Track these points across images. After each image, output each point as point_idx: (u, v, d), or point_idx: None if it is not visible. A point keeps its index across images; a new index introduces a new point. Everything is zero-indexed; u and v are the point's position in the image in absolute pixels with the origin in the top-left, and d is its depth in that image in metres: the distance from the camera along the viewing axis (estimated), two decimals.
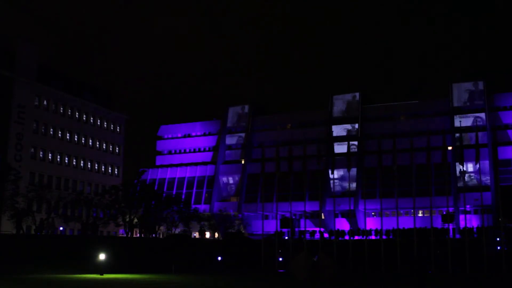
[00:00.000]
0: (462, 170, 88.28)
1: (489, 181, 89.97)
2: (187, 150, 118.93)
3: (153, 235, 77.68)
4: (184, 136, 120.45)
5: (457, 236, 76.35)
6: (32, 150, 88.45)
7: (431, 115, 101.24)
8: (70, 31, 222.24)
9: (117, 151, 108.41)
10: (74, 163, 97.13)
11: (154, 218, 77.63)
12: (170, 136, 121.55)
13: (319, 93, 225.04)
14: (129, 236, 74.69)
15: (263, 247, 65.65)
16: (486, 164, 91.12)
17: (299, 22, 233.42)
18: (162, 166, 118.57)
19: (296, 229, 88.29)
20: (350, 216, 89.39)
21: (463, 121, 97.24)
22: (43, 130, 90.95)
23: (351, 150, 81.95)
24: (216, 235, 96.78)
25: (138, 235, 79.24)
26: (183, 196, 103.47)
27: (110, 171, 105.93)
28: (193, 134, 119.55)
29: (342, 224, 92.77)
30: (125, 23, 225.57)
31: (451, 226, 74.73)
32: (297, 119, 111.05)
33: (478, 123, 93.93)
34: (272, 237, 72.81)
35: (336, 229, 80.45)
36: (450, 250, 60.09)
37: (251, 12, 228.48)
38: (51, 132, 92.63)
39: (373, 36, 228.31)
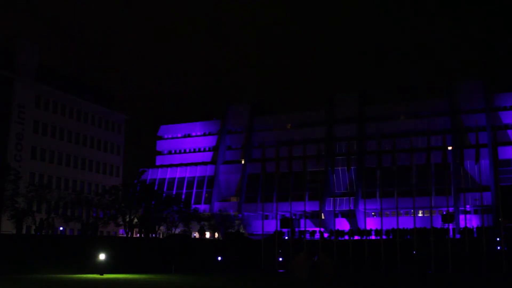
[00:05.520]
0: (462, 170, 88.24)
1: (489, 181, 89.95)
2: (187, 150, 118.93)
3: (153, 235, 77.64)
4: (184, 136, 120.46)
5: (457, 236, 76.35)
6: (32, 150, 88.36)
7: (431, 115, 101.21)
8: (70, 31, 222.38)
9: (117, 151, 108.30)
10: (74, 163, 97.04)
11: (154, 218, 77.56)
12: (170, 136, 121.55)
13: (319, 93, 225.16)
14: (129, 236, 74.64)
15: (263, 247, 65.69)
16: (486, 164, 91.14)
17: (299, 22, 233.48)
18: (162, 166, 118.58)
19: (296, 229, 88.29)
20: (350, 216, 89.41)
21: (463, 121, 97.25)
22: (43, 130, 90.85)
23: (351, 150, 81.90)
24: (216, 235, 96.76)
25: (138, 235, 79.19)
26: (183, 196, 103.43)
27: (110, 171, 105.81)
28: (193, 134, 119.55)
29: (342, 224, 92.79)
30: (125, 23, 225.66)
31: (451, 226, 74.76)
32: (297, 119, 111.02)
33: (478, 123, 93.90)
34: (272, 237, 72.86)
35: (336, 229, 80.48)
36: (450, 250, 60.13)
37: (251, 12, 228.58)
38: (51, 132, 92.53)
39: (374, 36, 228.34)
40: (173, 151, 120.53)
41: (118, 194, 76.08)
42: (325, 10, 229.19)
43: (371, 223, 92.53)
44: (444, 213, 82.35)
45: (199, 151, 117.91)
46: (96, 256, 52.01)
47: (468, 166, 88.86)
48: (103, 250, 52.18)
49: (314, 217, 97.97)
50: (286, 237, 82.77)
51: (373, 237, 75.68)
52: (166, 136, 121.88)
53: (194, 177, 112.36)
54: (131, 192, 77.42)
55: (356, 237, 74.39)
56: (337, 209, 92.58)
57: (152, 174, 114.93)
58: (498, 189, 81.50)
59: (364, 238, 70.04)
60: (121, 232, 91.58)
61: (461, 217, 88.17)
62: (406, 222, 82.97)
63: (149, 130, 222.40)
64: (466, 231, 64.18)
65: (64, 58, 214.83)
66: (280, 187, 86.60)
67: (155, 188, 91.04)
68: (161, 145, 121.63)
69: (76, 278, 45.19)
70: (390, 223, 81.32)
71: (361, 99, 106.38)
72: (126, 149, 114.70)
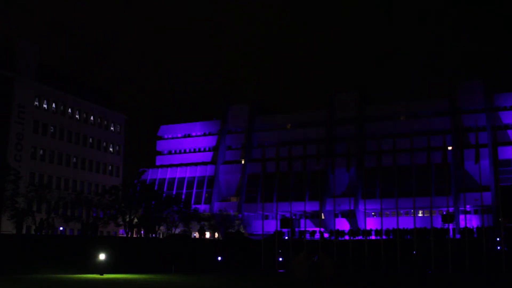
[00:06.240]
0: (462, 170, 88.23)
1: (489, 181, 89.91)
2: (187, 150, 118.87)
3: (153, 235, 77.67)
4: (184, 136, 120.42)
5: (457, 236, 76.34)
6: (32, 150, 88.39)
7: (431, 115, 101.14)
8: (70, 31, 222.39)
9: (117, 151, 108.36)
10: (74, 163, 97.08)
11: (154, 218, 77.60)
12: (170, 136, 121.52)
13: (319, 92, 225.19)
14: (129, 236, 74.67)
15: (263, 247, 65.71)
16: (486, 164, 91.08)
17: (300, 22, 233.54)
18: (162, 166, 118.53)
19: (296, 229, 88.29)
20: (350, 216, 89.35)
21: (463, 121, 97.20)
22: (43, 130, 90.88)
23: (351, 150, 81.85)
24: (216, 235, 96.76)
25: (138, 235, 79.24)
26: (183, 196, 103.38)
27: (110, 171, 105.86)
28: (193, 134, 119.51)
29: (342, 224, 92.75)
30: (125, 23, 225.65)
31: (451, 226, 74.75)
32: (297, 119, 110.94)
33: (478, 123, 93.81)
34: (272, 237, 72.88)
35: (336, 229, 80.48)
36: (450, 250, 60.14)
37: (251, 12, 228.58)
38: (51, 132, 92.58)
39: (374, 36, 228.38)
40: (173, 151, 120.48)
41: (118, 194, 76.12)
42: (325, 11, 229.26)
43: (371, 223, 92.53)
44: (444, 213, 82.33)
45: (199, 151, 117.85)
46: (96, 256, 52.03)
47: (468, 166, 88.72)
48: (103, 250, 52.20)
49: (314, 217, 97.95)
50: (286, 237, 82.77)
51: (373, 237, 75.67)
52: (166, 136, 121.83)
53: (194, 177, 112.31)
54: (131, 192, 77.47)
55: (356, 237, 74.41)
56: (337, 209, 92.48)
57: (152, 174, 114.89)
58: (498, 189, 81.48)
59: (364, 238, 70.05)
60: (121, 232, 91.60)
61: (461, 217, 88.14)
62: (406, 222, 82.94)
63: (149, 130, 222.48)
64: (466, 231, 64.17)
65: (64, 58, 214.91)
66: (280, 187, 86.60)
67: (155, 188, 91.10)
68: (161, 145, 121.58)
69: (76, 278, 45.20)
70: (390, 223, 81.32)
71: (361, 99, 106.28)
72: (126, 149, 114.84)
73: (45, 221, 67.88)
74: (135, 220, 77.14)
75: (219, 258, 68.12)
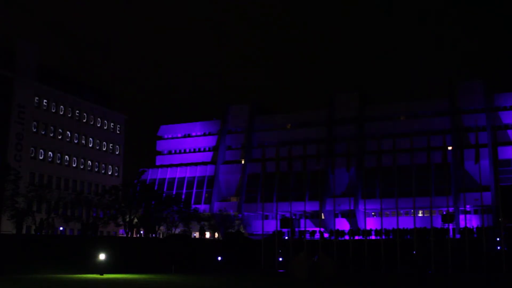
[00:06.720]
0: (462, 170, 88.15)
1: (489, 181, 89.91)
2: (187, 150, 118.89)
3: (153, 235, 77.68)
4: (184, 136, 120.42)
5: (457, 236, 76.34)
6: (32, 150, 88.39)
7: (431, 115, 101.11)
8: (70, 31, 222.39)
9: (117, 151, 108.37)
10: (74, 163, 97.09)
11: (154, 218, 77.62)
12: (170, 136, 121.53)
13: (319, 93, 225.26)
14: (129, 236, 74.69)
15: (263, 247, 65.74)
16: (486, 164, 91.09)
17: (300, 22, 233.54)
18: (162, 166, 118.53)
19: (296, 229, 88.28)
20: (350, 216, 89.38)
21: (463, 121, 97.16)
22: (43, 130, 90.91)
23: (351, 150, 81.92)
24: (216, 235, 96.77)
25: (138, 235, 79.25)
26: (183, 196, 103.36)
27: (110, 171, 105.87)
28: (193, 134, 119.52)
29: (342, 224, 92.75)
30: (125, 23, 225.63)
31: (451, 226, 74.76)
32: (297, 119, 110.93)
33: (478, 123, 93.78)
34: (272, 237, 72.90)
35: (336, 229, 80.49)
36: (450, 250, 60.15)
37: (252, 12, 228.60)
38: (51, 132, 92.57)
39: (374, 36, 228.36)
40: (173, 151, 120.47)
41: (118, 194, 76.16)
42: (325, 11, 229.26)
43: (371, 223, 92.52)
44: (444, 213, 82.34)
45: (199, 151, 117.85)
46: (96, 256, 52.05)
47: (468, 166, 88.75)
48: (103, 250, 52.23)
49: (314, 217, 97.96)
50: (286, 237, 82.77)
51: (373, 237, 75.67)
52: (166, 136, 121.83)
53: (194, 177, 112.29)
54: (131, 192, 77.51)
55: (356, 237, 74.41)
56: (337, 209, 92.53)
57: (152, 174, 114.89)
58: (498, 189, 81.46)
59: (364, 238, 70.07)
60: (121, 232, 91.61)
61: (461, 217, 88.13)
62: (406, 222, 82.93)
63: (149, 130, 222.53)
64: (466, 231, 64.19)
65: (64, 58, 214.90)
66: (280, 187, 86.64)
67: (155, 188, 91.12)
68: (161, 145, 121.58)
69: (76, 278, 45.22)
70: (390, 223, 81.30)
71: (361, 99, 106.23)
72: (126, 149, 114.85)
73: (45, 221, 67.91)
74: (135, 220, 77.18)
75: (219, 258, 68.14)
